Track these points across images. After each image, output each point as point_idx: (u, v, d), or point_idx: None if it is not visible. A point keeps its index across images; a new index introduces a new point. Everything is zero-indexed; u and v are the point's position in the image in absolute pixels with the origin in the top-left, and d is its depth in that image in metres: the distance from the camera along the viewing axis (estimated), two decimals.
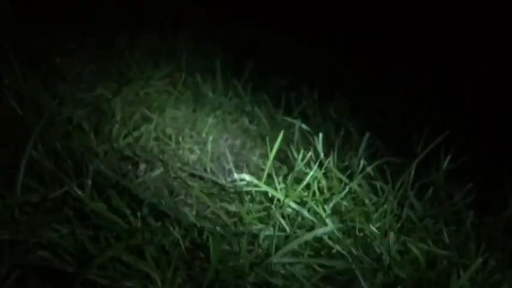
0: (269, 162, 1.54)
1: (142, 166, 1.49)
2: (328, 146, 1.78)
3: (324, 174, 1.59)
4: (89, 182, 1.18)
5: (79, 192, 1.16)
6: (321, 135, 1.64)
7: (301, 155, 1.52)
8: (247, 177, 1.48)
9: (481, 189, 1.55)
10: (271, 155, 1.52)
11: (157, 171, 1.48)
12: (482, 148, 1.71)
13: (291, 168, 1.67)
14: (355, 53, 2.65)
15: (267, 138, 1.63)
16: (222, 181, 1.55)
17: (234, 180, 1.54)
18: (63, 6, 2.19)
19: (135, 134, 1.59)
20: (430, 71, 2.33)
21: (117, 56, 2.03)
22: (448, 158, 1.59)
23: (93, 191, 1.20)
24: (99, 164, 1.24)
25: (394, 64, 2.44)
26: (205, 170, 1.60)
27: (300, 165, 1.57)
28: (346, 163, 1.72)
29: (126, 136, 1.57)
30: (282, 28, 2.77)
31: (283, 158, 1.72)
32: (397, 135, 1.89)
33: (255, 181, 1.44)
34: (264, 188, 1.43)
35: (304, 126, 1.80)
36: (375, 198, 1.51)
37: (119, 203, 1.19)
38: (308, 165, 1.60)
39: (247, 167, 1.67)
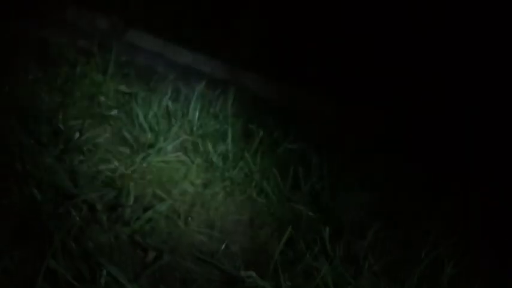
0: (276, 255, 1.57)
1: (151, 254, 1.51)
2: (335, 231, 1.81)
3: (331, 265, 1.62)
4: None
5: None
6: (327, 229, 1.67)
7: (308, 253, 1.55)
8: (253, 274, 1.50)
9: None
10: (278, 250, 1.56)
11: (166, 259, 1.51)
12: (486, 251, 1.74)
13: (297, 254, 1.69)
14: (370, 115, 2.68)
15: (275, 214, 1.68)
16: (228, 269, 1.58)
17: (239, 269, 1.57)
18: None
19: (147, 215, 1.62)
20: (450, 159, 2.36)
21: (131, 119, 2.06)
22: (452, 263, 1.62)
23: None
24: (111, 267, 1.27)
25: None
26: (212, 255, 1.63)
27: (307, 258, 1.60)
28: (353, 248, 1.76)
29: (137, 219, 1.59)
30: (295, 83, 2.81)
31: (291, 243, 1.74)
32: (405, 222, 1.92)
33: (261, 282, 1.47)
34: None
35: (311, 213, 1.83)
36: None
37: None
38: (315, 258, 1.62)
39: (253, 253, 1.69)
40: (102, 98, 2.10)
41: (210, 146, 2.09)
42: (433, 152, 2.42)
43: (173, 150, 2.01)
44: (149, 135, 2.02)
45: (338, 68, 2.84)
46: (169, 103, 2.23)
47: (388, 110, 2.63)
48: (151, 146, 1.97)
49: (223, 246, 1.66)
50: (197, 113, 2.25)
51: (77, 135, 1.77)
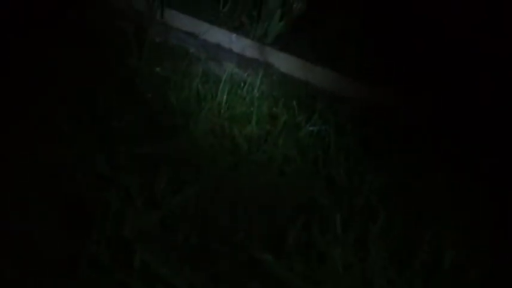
0: (291, 240, 1.74)
1: (181, 237, 1.70)
2: (348, 216, 1.96)
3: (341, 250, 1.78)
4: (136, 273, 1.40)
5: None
6: (339, 216, 1.82)
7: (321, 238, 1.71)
8: (270, 257, 1.68)
9: None
10: (293, 234, 1.73)
11: (194, 241, 1.70)
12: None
13: (311, 238, 1.85)
14: (395, 99, 2.74)
15: None
16: (249, 251, 1.75)
17: (258, 252, 1.75)
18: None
19: (177, 198, 1.80)
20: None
21: (164, 102, 2.22)
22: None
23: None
24: (143, 252, 1.46)
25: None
26: (236, 237, 1.80)
27: (320, 242, 1.77)
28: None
29: (168, 203, 1.77)
30: None
31: (307, 227, 1.89)
32: (417, 208, 2.05)
33: (276, 265, 1.64)
34: None
35: (326, 199, 1.97)
36: None
37: None
38: (328, 243, 1.79)
39: (272, 236, 1.85)
40: (138, 81, 2.26)
41: (236, 129, 2.24)
42: (458, 142, 2.48)
43: (202, 133, 2.17)
44: (180, 119, 2.18)
45: (371, 51, 2.89)
46: (200, 86, 2.37)
47: (415, 94, 2.69)
48: (182, 129, 2.13)
49: (246, 228, 1.83)
50: (225, 96, 2.39)
51: (115, 119, 1.94)
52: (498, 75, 2.77)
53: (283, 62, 2.92)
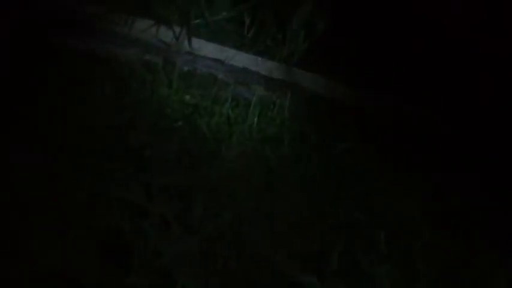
0: (333, 260, 1.70)
1: (219, 262, 1.68)
2: (390, 234, 1.90)
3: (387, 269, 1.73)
4: None
5: None
6: (382, 234, 1.77)
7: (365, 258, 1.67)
8: (314, 279, 1.63)
9: None
10: (335, 255, 1.68)
11: (232, 266, 1.68)
12: None
13: (354, 257, 1.80)
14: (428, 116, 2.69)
15: None
16: (289, 273, 1.72)
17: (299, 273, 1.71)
18: None
19: (213, 224, 1.78)
20: None
21: (195, 130, 2.22)
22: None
23: None
24: (184, 280, 1.44)
25: None
26: (274, 259, 1.77)
27: (363, 262, 1.72)
28: None
29: (205, 228, 1.75)
30: None
31: (348, 247, 1.84)
32: (460, 223, 1.97)
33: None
34: None
35: (365, 217, 1.92)
36: None
37: None
38: (372, 262, 1.73)
39: (312, 256, 1.81)
40: (169, 111, 2.27)
41: (268, 151, 2.22)
42: (490, 154, 2.40)
43: (235, 157, 2.16)
44: (213, 145, 2.17)
45: (396, 66, 2.86)
46: (230, 110, 2.37)
47: (447, 110, 2.64)
48: (215, 154, 2.12)
49: (285, 251, 1.80)
50: (256, 118, 2.38)
51: (148, 151, 1.94)
52: (498, 75, 2.72)
53: (310, 82, 2.91)
